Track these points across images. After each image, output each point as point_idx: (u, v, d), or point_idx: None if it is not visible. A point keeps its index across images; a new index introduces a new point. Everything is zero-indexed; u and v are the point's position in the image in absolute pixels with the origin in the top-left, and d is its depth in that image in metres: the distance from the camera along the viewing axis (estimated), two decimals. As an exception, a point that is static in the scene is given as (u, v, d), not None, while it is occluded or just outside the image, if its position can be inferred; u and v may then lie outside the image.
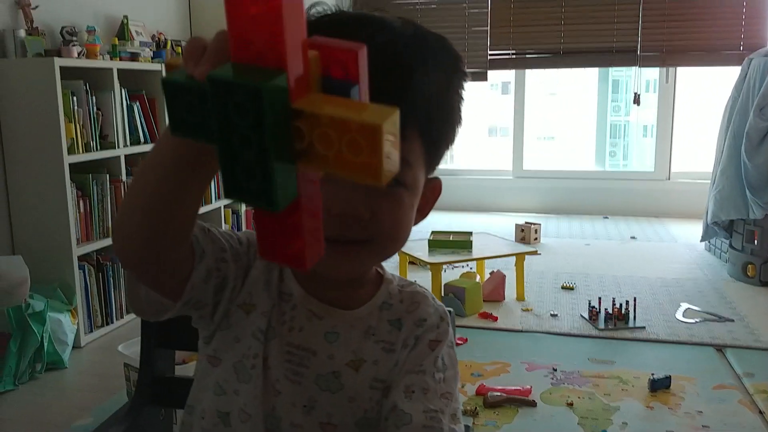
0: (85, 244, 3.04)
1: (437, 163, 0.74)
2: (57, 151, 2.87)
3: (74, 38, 3.10)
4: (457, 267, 4.05)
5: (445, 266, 3.78)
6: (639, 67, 5.57)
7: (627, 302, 3.21)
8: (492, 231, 4.15)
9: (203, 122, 0.43)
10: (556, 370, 2.70)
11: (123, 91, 3.29)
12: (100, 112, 3.15)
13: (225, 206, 4.17)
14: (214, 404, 0.75)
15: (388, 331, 0.77)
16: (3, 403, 2.52)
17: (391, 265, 2.76)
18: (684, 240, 4.88)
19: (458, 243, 3.55)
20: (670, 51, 5.45)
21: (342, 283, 0.76)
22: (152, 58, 3.63)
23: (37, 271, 2.84)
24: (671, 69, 5.62)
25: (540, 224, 4.92)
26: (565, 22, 5.61)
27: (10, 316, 2.59)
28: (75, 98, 2.97)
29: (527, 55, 5.78)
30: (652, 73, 6.06)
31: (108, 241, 3.16)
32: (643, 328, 3.12)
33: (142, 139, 3.44)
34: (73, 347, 2.91)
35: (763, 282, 3.72)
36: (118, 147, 3.23)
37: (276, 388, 0.73)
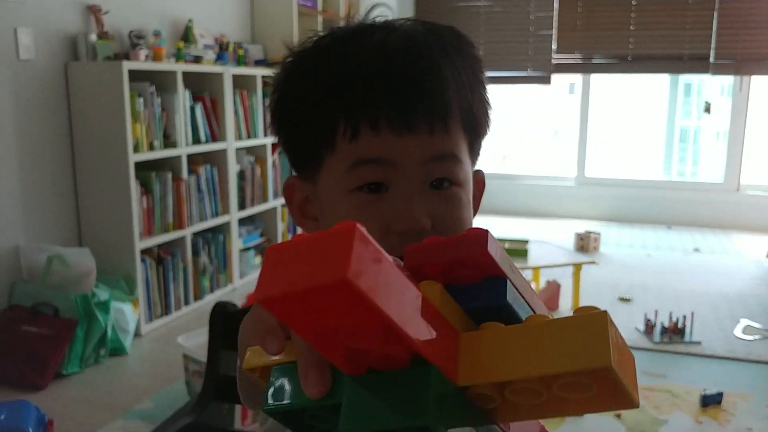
0: (147, 239, 3.17)
1: (479, 153, 0.71)
2: (123, 149, 3.00)
3: (141, 41, 3.24)
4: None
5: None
6: (711, 74, 5.38)
7: (684, 316, 3.12)
8: (551, 238, 4.11)
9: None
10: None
11: (186, 92, 3.41)
12: (164, 113, 3.28)
13: (282, 205, 4.23)
14: None
15: None
16: (70, 384, 2.68)
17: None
18: (750, 254, 4.69)
19: (514, 251, 3.53)
20: (746, 59, 5.24)
21: None
22: (215, 61, 3.75)
23: (103, 263, 2.99)
24: (745, 77, 5.41)
25: (600, 233, 4.81)
26: (634, 27, 5.48)
27: (78, 304, 2.76)
28: (141, 99, 3.10)
29: (593, 60, 5.67)
30: (727, 78, 5.84)
31: (168, 236, 3.30)
32: (699, 343, 3.03)
33: (203, 139, 3.56)
34: (134, 335, 3.05)
35: (834, 300, 3.55)
36: (181, 146, 3.35)
37: None
